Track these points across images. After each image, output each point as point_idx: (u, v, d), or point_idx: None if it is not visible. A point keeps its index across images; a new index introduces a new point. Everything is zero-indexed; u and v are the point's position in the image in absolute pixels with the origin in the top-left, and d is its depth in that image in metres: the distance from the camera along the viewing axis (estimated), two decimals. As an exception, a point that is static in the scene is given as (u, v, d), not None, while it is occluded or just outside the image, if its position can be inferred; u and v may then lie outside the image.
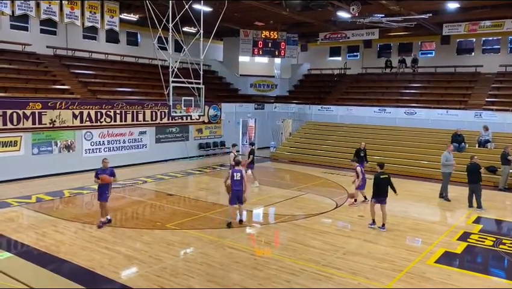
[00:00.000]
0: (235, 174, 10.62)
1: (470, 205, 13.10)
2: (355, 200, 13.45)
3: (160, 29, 15.42)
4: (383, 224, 10.79)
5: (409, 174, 18.57)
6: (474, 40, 25.59)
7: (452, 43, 25.98)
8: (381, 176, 10.87)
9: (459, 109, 21.86)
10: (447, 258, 9.09)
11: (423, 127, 21.88)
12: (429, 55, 27.69)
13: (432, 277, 8.02)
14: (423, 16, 19.67)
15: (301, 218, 11.89)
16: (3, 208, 12.17)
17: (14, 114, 15.66)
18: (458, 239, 10.23)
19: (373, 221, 11.00)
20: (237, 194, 10.64)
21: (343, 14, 20.81)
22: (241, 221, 11.03)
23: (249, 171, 15.56)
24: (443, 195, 14.32)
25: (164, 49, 16.35)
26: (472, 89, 23.52)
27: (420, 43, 27.77)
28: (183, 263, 8.55)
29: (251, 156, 16.13)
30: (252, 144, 18.43)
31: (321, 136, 23.95)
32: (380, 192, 10.78)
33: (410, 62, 26.42)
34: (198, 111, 17.23)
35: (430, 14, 19.74)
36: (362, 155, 16.18)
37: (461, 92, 23.57)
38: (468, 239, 10.22)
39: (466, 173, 13.28)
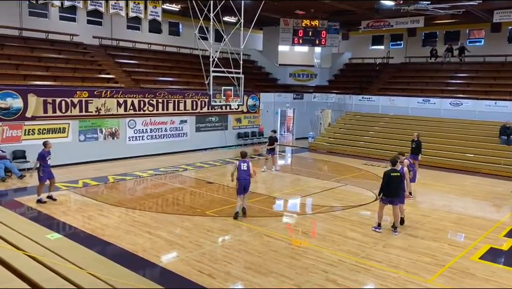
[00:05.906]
0: (242, 164, 10.58)
1: None
2: (410, 193, 12.89)
3: (201, 19, 15.56)
4: (395, 227, 9.84)
5: (454, 167, 18.00)
6: (527, 27, 24.29)
7: (503, 31, 24.67)
8: (392, 174, 9.69)
9: (509, 100, 20.82)
10: (492, 255, 8.78)
11: (469, 119, 21.06)
12: (477, 44, 26.50)
13: (476, 273, 7.77)
14: (472, 3, 18.83)
15: (339, 209, 11.79)
16: (53, 192, 12.79)
17: (63, 102, 16.36)
18: (505, 236, 9.85)
19: (378, 225, 9.93)
20: (244, 184, 10.54)
21: (386, 2, 20.25)
22: (244, 210, 10.81)
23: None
24: None
25: (205, 38, 16.51)
26: (524, 79, 22.35)
27: (467, 31, 26.62)
28: (222, 249, 8.70)
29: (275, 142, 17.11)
30: (273, 131, 17.96)
31: (362, 127, 23.53)
32: (391, 191, 9.69)
33: (457, 51, 25.40)
34: (237, 100, 17.35)
35: (480, 1, 18.83)
36: (413, 146, 15.46)
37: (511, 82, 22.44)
38: (516, 236, 9.83)
39: None
